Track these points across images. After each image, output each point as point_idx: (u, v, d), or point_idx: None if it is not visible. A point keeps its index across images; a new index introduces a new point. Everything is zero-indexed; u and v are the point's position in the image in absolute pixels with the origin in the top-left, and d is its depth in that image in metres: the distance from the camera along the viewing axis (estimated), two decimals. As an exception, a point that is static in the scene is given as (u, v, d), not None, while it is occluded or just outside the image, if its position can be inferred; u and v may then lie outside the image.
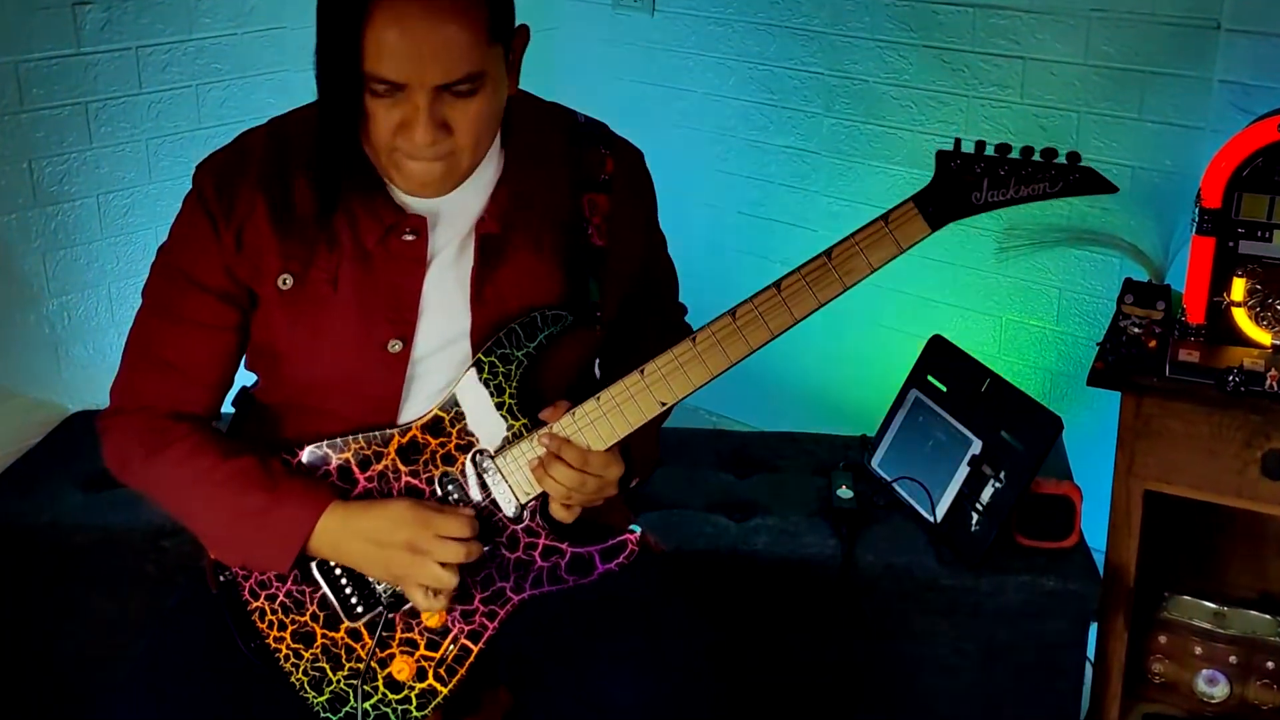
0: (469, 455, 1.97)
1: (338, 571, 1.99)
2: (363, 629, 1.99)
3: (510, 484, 1.96)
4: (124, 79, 3.24)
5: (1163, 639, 2.86)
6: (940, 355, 2.91)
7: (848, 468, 2.95)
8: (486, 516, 1.97)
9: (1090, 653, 2.77)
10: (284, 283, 1.91)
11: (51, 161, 3.13)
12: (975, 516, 2.67)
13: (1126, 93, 3.23)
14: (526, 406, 1.96)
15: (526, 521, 1.97)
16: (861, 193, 3.77)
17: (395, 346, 1.92)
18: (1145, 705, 2.87)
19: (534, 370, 1.96)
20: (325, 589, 1.99)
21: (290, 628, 2.00)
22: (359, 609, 1.99)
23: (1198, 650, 2.83)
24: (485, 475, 1.97)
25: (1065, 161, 1.88)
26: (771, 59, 3.88)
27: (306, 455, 1.97)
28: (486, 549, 1.96)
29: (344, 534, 1.92)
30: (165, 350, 1.96)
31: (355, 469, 1.97)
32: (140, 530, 2.77)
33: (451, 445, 1.96)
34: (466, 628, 1.99)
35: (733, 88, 3.98)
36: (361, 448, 1.96)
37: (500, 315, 1.95)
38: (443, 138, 1.79)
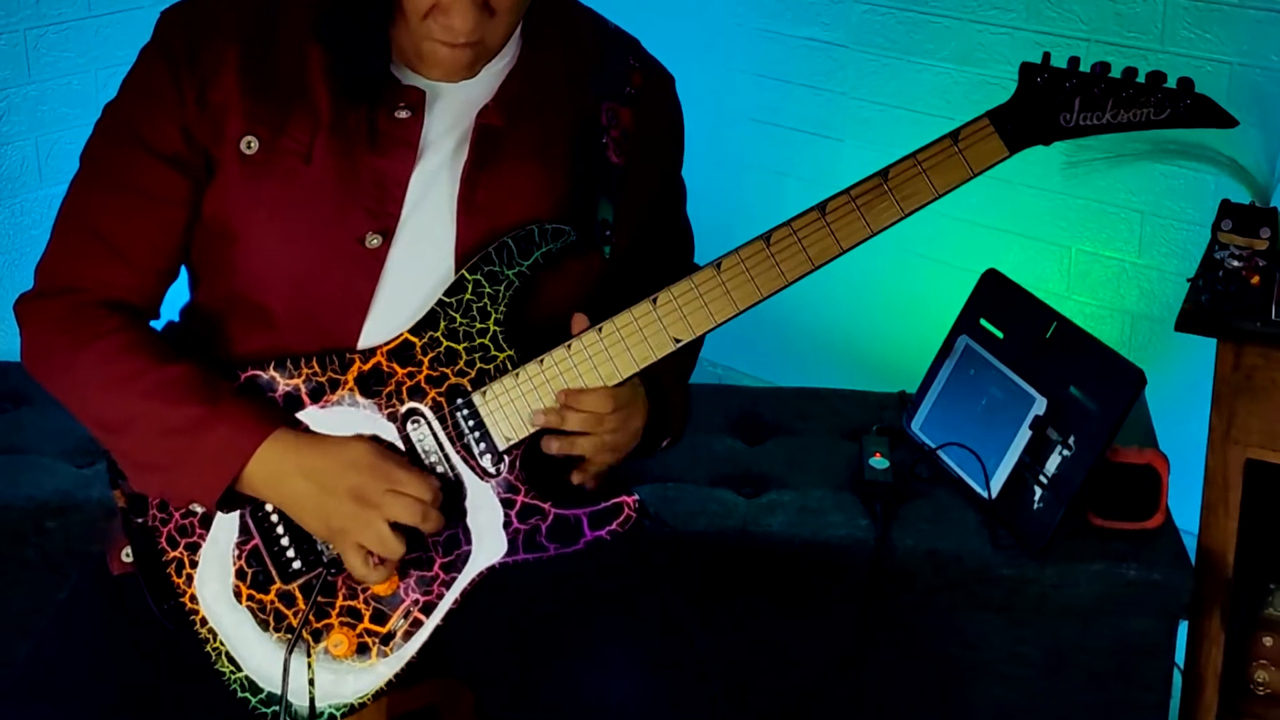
0: (441, 389, 1.96)
1: (274, 518, 1.99)
2: (297, 592, 1.99)
3: (488, 426, 1.97)
4: (-4, -44, 3.21)
5: (1267, 641, 2.88)
6: (996, 294, 2.92)
7: (883, 432, 2.97)
8: (459, 463, 1.98)
9: (1179, 658, 2.79)
10: (248, 146, 1.94)
11: (-93, 57, 3.11)
12: (1039, 491, 2.66)
13: (1224, -28, 3.22)
14: (514, 336, 1.97)
15: (504, 474, 1.97)
16: (898, 95, 3.81)
17: (374, 241, 1.95)
18: (1245, 721, 2.90)
19: (525, 295, 1.99)
20: (257, 540, 1.99)
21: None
22: (295, 565, 1.99)
23: (1309, 655, 2.84)
24: (459, 415, 1.97)
25: (1175, 87, 1.91)
26: (789, -70, 3.88)
27: (248, 379, 1.99)
28: (447, 529, 1.96)
29: (285, 467, 1.93)
30: (102, 222, 1.99)
31: (306, 398, 1.98)
32: (19, 508, 2.77)
33: (421, 377, 1.98)
34: (422, 599, 1.98)
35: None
36: (315, 373, 1.98)
37: (491, 228, 1.98)
38: (484, 20, 1.87)
